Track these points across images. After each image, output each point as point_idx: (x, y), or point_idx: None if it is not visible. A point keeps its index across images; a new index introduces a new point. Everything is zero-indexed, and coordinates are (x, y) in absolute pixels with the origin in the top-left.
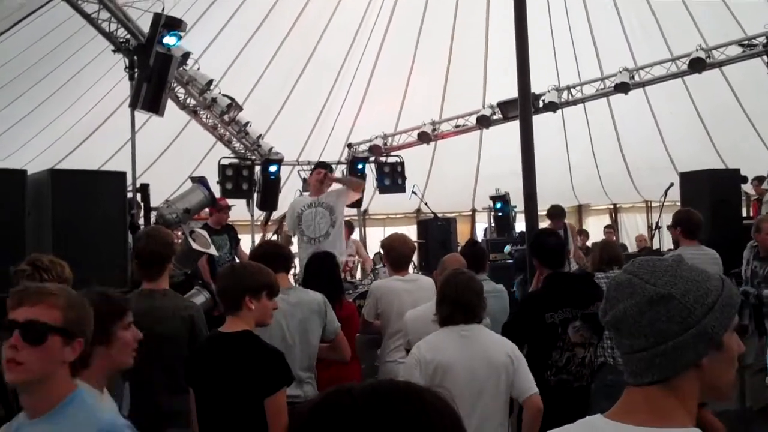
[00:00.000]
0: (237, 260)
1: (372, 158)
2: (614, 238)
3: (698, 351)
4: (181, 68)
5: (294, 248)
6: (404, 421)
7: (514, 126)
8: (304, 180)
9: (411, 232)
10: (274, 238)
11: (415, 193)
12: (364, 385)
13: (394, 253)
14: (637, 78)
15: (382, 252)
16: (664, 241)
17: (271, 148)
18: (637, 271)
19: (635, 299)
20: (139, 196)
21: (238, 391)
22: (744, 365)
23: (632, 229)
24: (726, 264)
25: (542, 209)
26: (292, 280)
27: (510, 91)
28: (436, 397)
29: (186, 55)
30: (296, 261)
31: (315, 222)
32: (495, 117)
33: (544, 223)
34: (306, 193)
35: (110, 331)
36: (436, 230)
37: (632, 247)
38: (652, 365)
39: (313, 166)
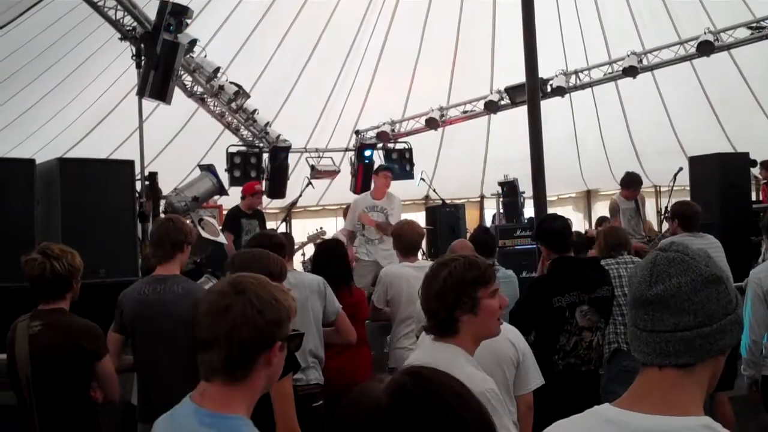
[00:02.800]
0: None
1: (380, 145)
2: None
3: (732, 338)
4: (188, 56)
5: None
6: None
7: (522, 111)
8: (312, 167)
9: (419, 218)
10: (283, 226)
11: (423, 180)
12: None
13: (404, 240)
14: (645, 62)
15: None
16: None
17: (279, 136)
18: (686, 251)
19: (691, 276)
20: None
21: None
22: None
23: None
24: (734, 247)
25: (551, 194)
26: (301, 267)
27: (518, 76)
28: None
29: (193, 43)
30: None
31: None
32: (503, 102)
33: (552, 209)
34: (366, 193)
35: (476, 298)
36: (444, 217)
37: None
38: (692, 346)
39: (380, 167)
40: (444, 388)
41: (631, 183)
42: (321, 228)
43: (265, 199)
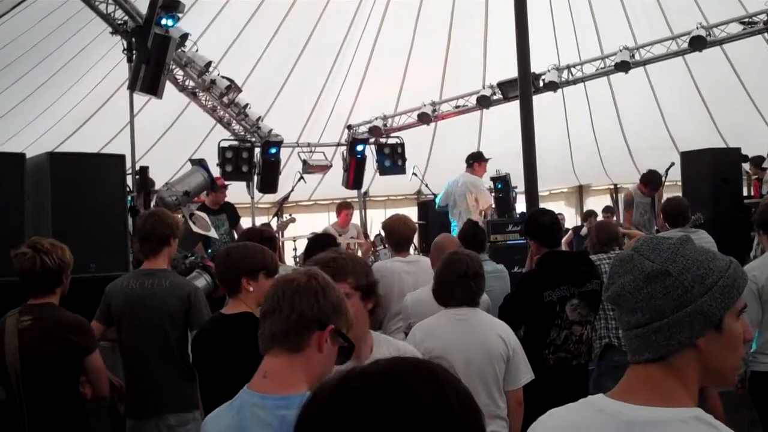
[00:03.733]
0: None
1: (372, 139)
2: (614, 220)
3: (693, 330)
4: (180, 50)
5: None
6: (421, 403)
7: (515, 106)
8: (304, 162)
9: (412, 213)
10: (274, 220)
11: (415, 174)
12: (378, 369)
13: (396, 235)
14: (637, 57)
15: (383, 233)
16: None
17: (271, 130)
18: (640, 248)
19: (633, 275)
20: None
21: (238, 373)
22: None
23: None
24: (726, 242)
25: (543, 190)
26: (293, 262)
27: (510, 70)
28: (451, 376)
29: (184, 37)
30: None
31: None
32: (495, 97)
33: (544, 204)
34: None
35: None
36: (436, 211)
37: None
38: (647, 342)
39: (481, 156)
40: (392, 384)
41: (650, 182)
42: (291, 215)
43: (256, 194)
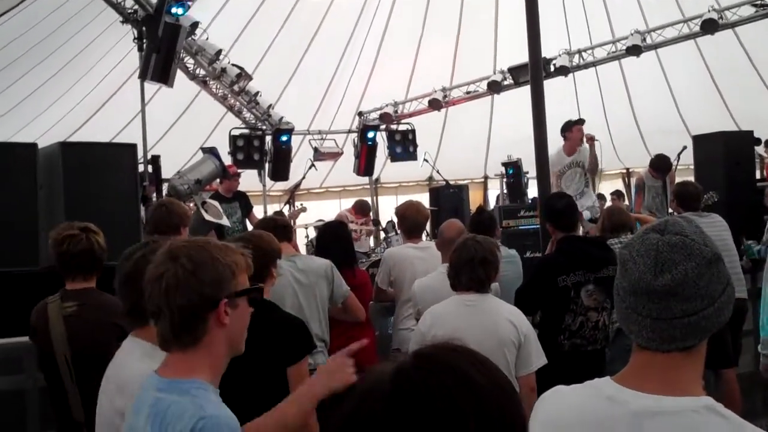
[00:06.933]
0: (249, 228)
1: (383, 126)
2: (624, 204)
3: (729, 311)
4: (190, 38)
5: None
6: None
7: (526, 91)
8: (316, 149)
9: (423, 199)
10: (286, 208)
11: (426, 161)
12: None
13: (408, 221)
14: (648, 40)
15: (395, 220)
16: None
17: (282, 118)
18: (685, 231)
19: (695, 261)
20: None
21: (259, 361)
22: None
23: None
24: (740, 225)
25: None
26: (304, 249)
27: (521, 55)
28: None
29: (194, 25)
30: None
31: (574, 183)
32: (506, 82)
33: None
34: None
35: None
36: (448, 198)
37: None
38: (698, 328)
39: (570, 122)
40: (450, 372)
41: (659, 166)
42: (302, 204)
43: (268, 181)
